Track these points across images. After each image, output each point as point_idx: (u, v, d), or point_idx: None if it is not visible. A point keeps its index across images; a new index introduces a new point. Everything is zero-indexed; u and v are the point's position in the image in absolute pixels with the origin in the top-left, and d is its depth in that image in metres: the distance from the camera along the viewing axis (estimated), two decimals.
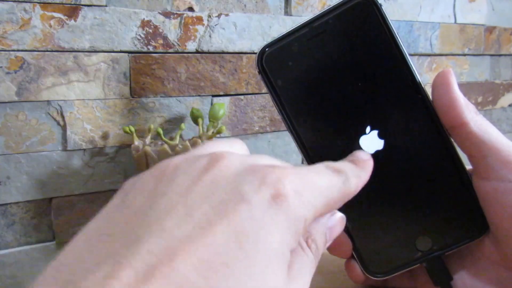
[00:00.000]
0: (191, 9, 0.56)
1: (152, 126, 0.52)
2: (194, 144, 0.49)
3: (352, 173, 0.22)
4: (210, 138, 0.52)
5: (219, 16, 0.58)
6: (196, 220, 0.16)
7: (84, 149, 0.53)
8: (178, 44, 0.56)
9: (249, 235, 0.16)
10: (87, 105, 0.52)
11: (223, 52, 0.59)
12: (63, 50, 0.50)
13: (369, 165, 0.25)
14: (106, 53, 0.52)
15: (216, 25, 0.58)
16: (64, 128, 0.52)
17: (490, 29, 0.84)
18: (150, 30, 0.54)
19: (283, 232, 0.17)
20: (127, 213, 0.17)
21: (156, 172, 0.19)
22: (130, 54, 0.53)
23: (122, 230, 0.16)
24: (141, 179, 0.20)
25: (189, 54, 0.57)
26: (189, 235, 0.16)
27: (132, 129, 0.51)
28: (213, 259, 0.15)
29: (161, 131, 0.51)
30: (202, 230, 0.16)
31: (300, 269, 0.19)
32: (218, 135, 0.59)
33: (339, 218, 0.23)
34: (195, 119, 0.54)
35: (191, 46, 0.57)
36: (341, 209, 0.27)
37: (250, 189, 0.17)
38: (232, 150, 0.22)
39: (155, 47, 0.54)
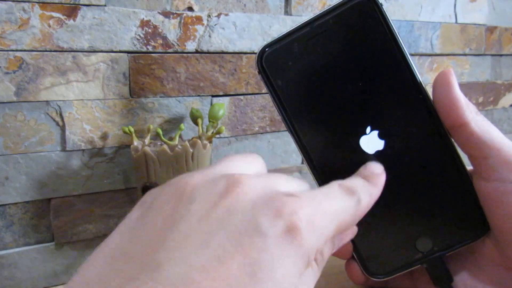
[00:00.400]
0: (190, 9, 0.56)
1: (151, 127, 0.52)
2: (193, 144, 0.49)
3: (364, 192, 0.23)
4: (209, 138, 0.51)
5: (218, 16, 0.57)
6: (212, 250, 0.17)
7: (83, 150, 0.53)
8: (178, 44, 0.55)
9: (263, 268, 0.17)
10: (86, 105, 0.52)
11: (222, 52, 0.59)
12: (62, 50, 0.50)
13: (382, 180, 0.25)
14: (105, 53, 0.52)
15: (215, 25, 0.57)
16: (63, 128, 0.52)
17: (491, 29, 0.84)
18: (150, 30, 0.54)
19: (295, 264, 0.18)
20: (147, 233, 0.18)
21: (176, 191, 0.20)
22: (129, 54, 0.53)
23: (143, 252, 0.17)
24: (160, 196, 0.20)
25: (189, 54, 0.56)
26: (205, 265, 0.16)
27: (131, 129, 0.51)
28: None
29: (160, 132, 0.51)
30: (218, 261, 0.16)
31: (305, 282, 0.20)
32: (217, 136, 0.58)
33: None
34: (194, 119, 0.54)
35: (190, 46, 0.56)
36: None
37: (265, 220, 0.18)
38: (250, 168, 0.23)
39: (154, 47, 0.54)
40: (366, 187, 0.24)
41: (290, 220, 0.18)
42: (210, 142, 0.51)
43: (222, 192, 0.19)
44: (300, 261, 0.18)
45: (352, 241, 0.30)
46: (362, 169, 0.26)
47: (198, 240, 0.17)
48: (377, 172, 0.25)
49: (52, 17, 0.49)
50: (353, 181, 0.24)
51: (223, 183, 0.20)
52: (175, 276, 0.16)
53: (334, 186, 0.22)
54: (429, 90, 0.29)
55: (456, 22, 0.79)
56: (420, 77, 0.28)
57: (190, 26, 0.56)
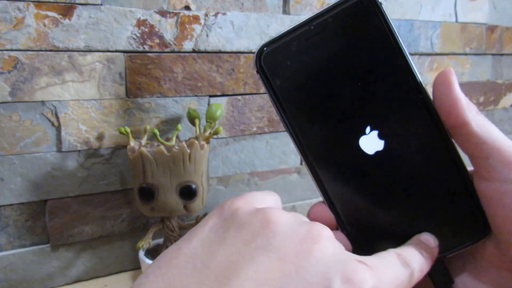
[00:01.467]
0: (187, 8, 0.56)
1: (148, 127, 0.52)
2: (191, 145, 0.49)
3: (418, 267, 0.25)
4: (207, 139, 0.51)
5: (216, 15, 0.57)
6: None
7: (79, 150, 0.52)
8: (175, 44, 0.55)
9: None
10: (82, 105, 0.52)
11: (220, 52, 0.58)
12: (58, 50, 0.49)
13: (434, 254, 0.27)
14: (101, 53, 0.51)
15: (213, 24, 0.57)
16: (58, 129, 0.51)
17: (491, 28, 0.83)
18: (146, 29, 0.53)
19: None
20: (226, 253, 0.20)
21: (260, 217, 0.22)
22: (125, 54, 0.53)
23: (221, 270, 0.19)
24: (243, 214, 0.22)
25: (186, 54, 0.56)
26: None
27: (128, 130, 0.50)
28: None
29: (157, 132, 0.51)
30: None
31: None
32: (215, 136, 0.58)
33: None
34: (191, 120, 0.54)
35: (187, 45, 0.56)
36: (341, 212, 0.26)
37: (337, 282, 0.20)
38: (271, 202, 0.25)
39: (151, 46, 0.54)
40: (420, 260, 0.25)
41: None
42: (208, 142, 0.51)
43: (305, 238, 0.21)
44: None
45: (352, 243, 0.29)
46: (417, 238, 0.27)
47: (274, 282, 0.19)
48: (432, 245, 0.27)
49: (47, 16, 0.48)
50: (409, 253, 0.25)
51: (305, 229, 0.21)
52: None
53: (393, 256, 0.24)
54: (429, 90, 0.28)
55: (456, 21, 0.79)
56: (420, 76, 0.28)
57: (187, 25, 0.56)
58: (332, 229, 0.28)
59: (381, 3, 0.27)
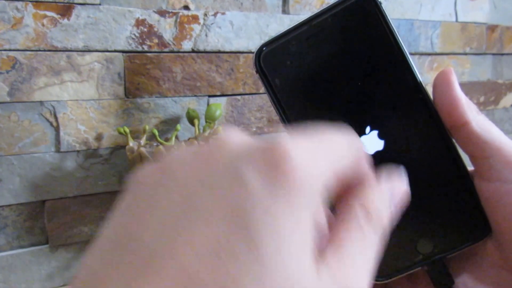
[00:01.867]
0: (186, 7, 0.55)
1: (147, 127, 0.52)
2: (190, 145, 0.48)
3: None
4: (206, 139, 0.51)
5: (215, 14, 0.57)
6: (198, 212, 0.14)
7: (78, 151, 0.52)
8: (174, 44, 0.55)
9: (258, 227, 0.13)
10: (81, 105, 0.51)
11: (219, 52, 0.58)
12: (56, 50, 0.49)
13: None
14: (100, 53, 0.51)
15: (212, 24, 0.57)
16: (57, 129, 0.51)
17: (492, 28, 0.83)
18: (145, 29, 0.53)
19: (295, 214, 0.14)
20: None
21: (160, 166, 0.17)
22: (124, 54, 0.52)
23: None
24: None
25: (185, 54, 0.56)
26: (183, 227, 0.14)
27: (127, 130, 0.50)
28: (218, 250, 0.13)
29: (156, 132, 0.50)
30: (201, 221, 0.14)
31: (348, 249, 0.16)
32: (214, 136, 0.58)
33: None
34: (191, 120, 0.53)
35: (186, 45, 0.56)
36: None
37: (248, 171, 0.15)
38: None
39: (150, 46, 0.54)
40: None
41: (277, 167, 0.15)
42: None
43: (202, 154, 0.16)
44: (300, 210, 0.14)
45: None
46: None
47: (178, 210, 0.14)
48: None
49: (46, 16, 0.48)
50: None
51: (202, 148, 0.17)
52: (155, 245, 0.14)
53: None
54: (429, 90, 0.28)
55: (456, 20, 0.78)
56: (420, 76, 0.27)
57: (186, 25, 0.55)
58: None
59: (380, 3, 0.27)
